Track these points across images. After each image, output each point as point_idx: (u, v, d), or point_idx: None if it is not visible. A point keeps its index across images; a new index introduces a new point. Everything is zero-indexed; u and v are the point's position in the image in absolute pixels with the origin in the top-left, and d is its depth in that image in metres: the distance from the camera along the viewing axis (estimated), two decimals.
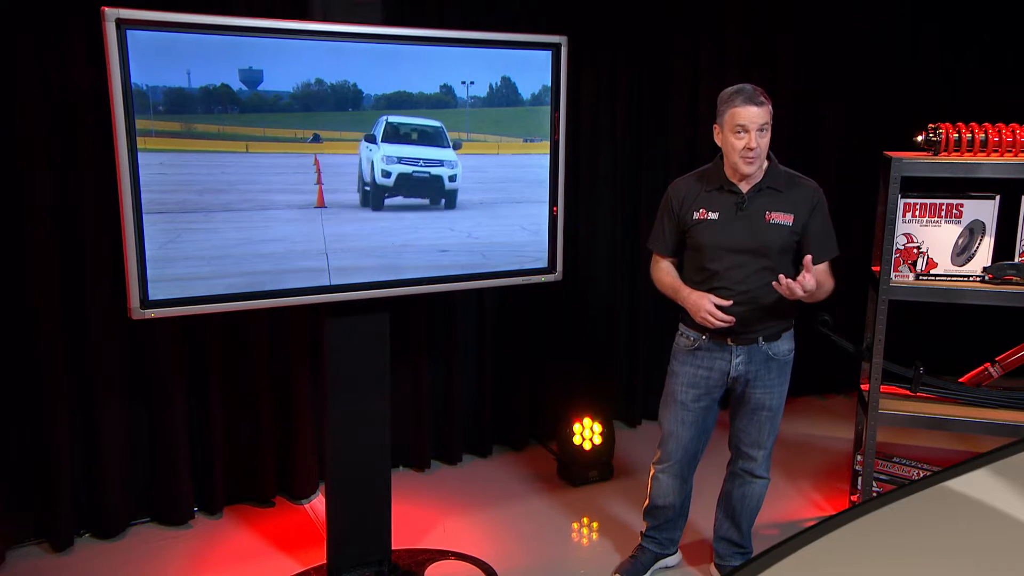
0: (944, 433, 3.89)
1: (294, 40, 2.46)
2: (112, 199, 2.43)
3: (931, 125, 3.02)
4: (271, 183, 2.51)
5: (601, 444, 3.76)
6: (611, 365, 4.34)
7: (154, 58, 2.26)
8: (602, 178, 4.16)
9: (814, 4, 4.45)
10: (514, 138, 2.87)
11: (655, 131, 4.24)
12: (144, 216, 2.32)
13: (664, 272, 2.81)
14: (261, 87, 2.43)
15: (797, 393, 4.84)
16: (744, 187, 2.64)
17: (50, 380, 3.03)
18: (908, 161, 3.01)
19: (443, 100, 2.71)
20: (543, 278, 3.00)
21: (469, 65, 2.73)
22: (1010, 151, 2.98)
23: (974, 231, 3.07)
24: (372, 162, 2.68)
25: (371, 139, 2.65)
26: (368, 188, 2.68)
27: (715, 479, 3.05)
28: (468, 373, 3.99)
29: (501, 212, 2.88)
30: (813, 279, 2.48)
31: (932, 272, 3.11)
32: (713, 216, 2.64)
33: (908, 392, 3.27)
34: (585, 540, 3.39)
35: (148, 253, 2.34)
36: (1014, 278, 3.01)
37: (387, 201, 2.73)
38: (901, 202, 3.07)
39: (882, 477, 3.39)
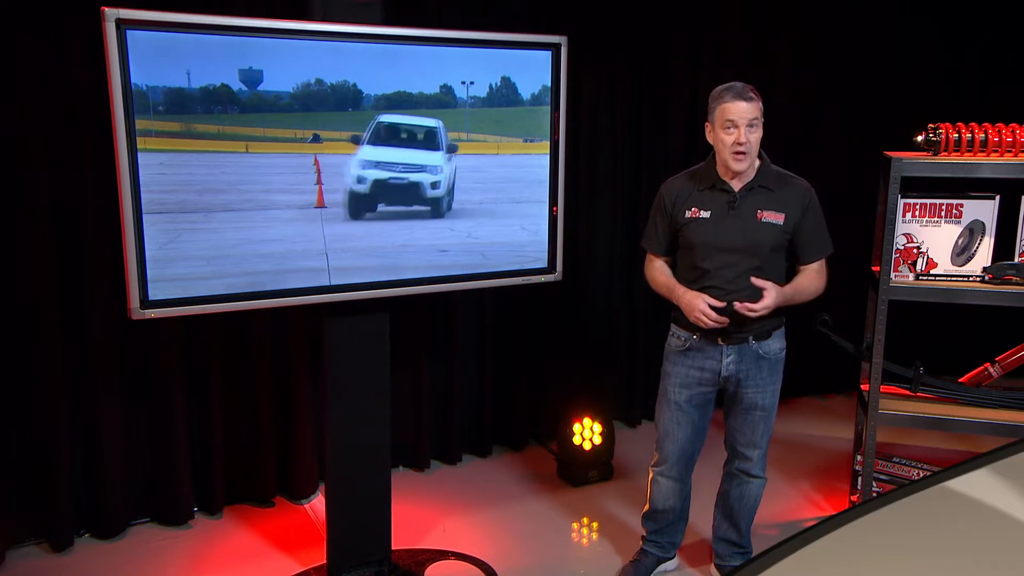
0: (944, 433, 3.89)
1: (294, 40, 2.45)
2: (112, 199, 2.43)
3: (931, 125, 3.02)
4: (271, 183, 2.51)
5: (601, 444, 3.76)
6: (611, 365, 4.34)
7: (154, 58, 2.26)
8: (602, 178, 4.16)
9: (814, 4, 4.45)
10: (514, 138, 2.87)
11: (655, 131, 4.24)
12: (144, 216, 2.32)
13: (658, 271, 2.82)
14: (261, 87, 2.43)
15: (797, 393, 4.87)
16: (736, 186, 2.65)
17: (50, 380, 3.03)
18: (908, 161, 3.01)
19: (443, 100, 2.71)
20: (543, 278, 3.00)
21: (469, 65, 2.72)
22: (1010, 151, 2.98)
23: (974, 231, 3.07)
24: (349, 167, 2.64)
25: (356, 141, 2.61)
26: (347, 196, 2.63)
27: (714, 479, 3.05)
28: (468, 373, 3.99)
29: (501, 212, 2.88)
30: (766, 304, 2.56)
31: (932, 272, 3.11)
32: (705, 215, 2.66)
33: (908, 392, 3.27)
34: (585, 540, 3.39)
35: (148, 253, 2.34)
36: (1014, 278, 3.01)
37: (369, 212, 2.63)
38: (901, 202, 3.07)
39: (882, 477, 3.39)
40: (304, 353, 3.50)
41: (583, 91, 4.01)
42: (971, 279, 3.08)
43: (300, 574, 3.02)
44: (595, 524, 3.47)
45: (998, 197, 3.05)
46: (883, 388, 3.19)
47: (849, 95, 4.60)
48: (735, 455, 2.88)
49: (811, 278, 2.71)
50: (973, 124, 3.01)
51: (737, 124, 2.53)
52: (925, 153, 3.05)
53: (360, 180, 2.63)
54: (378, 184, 2.67)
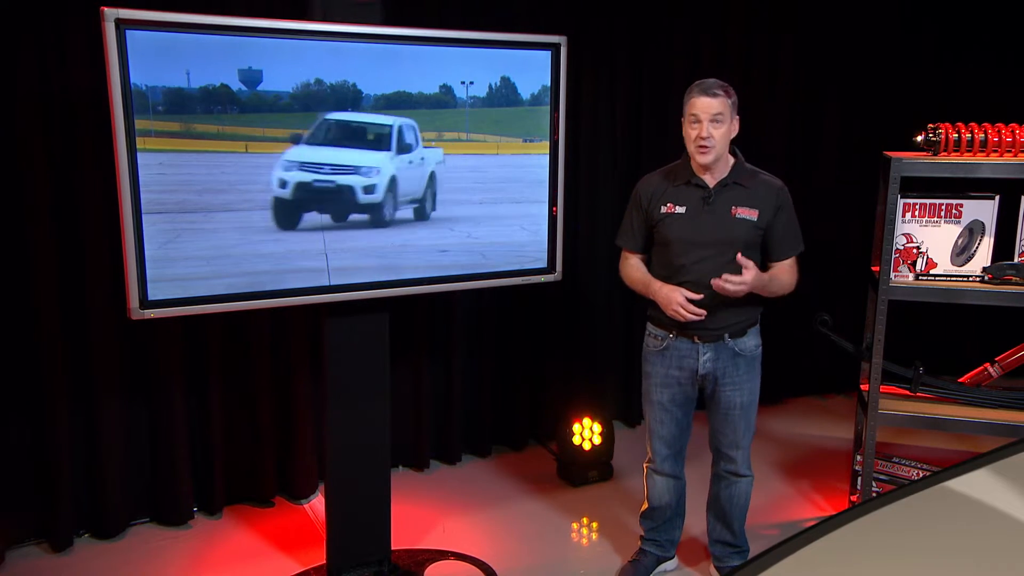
0: (944, 433, 3.89)
1: (294, 40, 2.45)
2: (112, 199, 2.42)
3: (931, 125, 3.02)
4: (271, 183, 2.51)
5: (601, 444, 3.76)
6: (611, 365, 4.34)
7: (154, 58, 2.26)
8: (602, 178, 4.15)
9: (814, 4, 4.45)
10: (514, 138, 2.87)
11: (655, 131, 4.24)
12: (144, 216, 2.32)
13: (633, 268, 2.84)
14: (261, 87, 2.43)
15: (797, 393, 4.88)
16: (710, 182, 2.68)
17: (50, 380, 3.03)
18: (908, 161, 3.01)
19: (443, 100, 2.71)
20: (543, 278, 3.00)
21: (469, 65, 2.72)
22: (1010, 151, 2.98)
23: (974, 231, 3.07)
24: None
25: (295, 140, 2.46)
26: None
27: (708, 482, 3.05)
28: (468, 373, 3.99)
29: (501, 212, 2.88)
30: (744, 280, 2.52)
31: (932, 272, 3.11)
32: (680, 210, 2.69)
33: (908, 392, 3.27)
34: (585, 540, 3.39)
35: (148, 253, 2.34)
36: (1014, 278, 3.01)
37: (298, 221, 2.42)
38: (901, 202, 3.07)
39: (882, 477, 3.39)
40: (304, 353, 3.50)
41: (583, 91, 4.00)
42: (971, 279, 3.07)
43: (300, 574, 3.01)
44: (595, 524, 3.47)
45: (998, 197, 3.05)
46: (883, 388, 3.19)
47: (849, 95, 4.60)
48: (720, 456, 2.90)
49: (785, 271, 2.72)
50: (973, 124, 3.01)
51: (700, 119, 2.58)
52: (925, 153, 3.05)
53: (283, 184, 2.42)
54: (302, 188, 2.47)
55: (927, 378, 3.25)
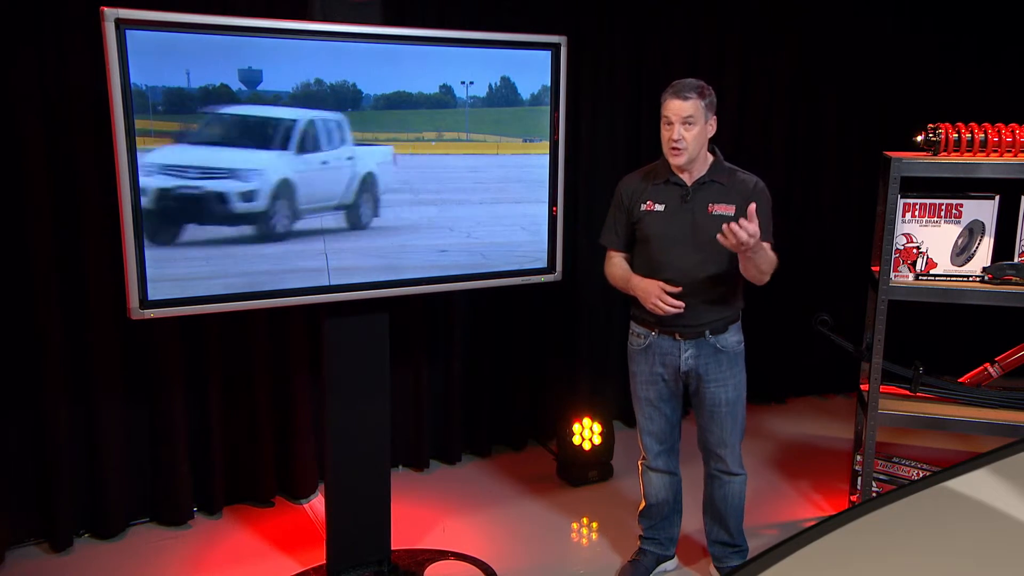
0: (944, 433, 3.89)
1: (294, 40, 2.45)
2: (112, 199, 2.42)
3: (931, 125, 3.02)
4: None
5: (601, 444, 3.76)
6: (611, 365, 4.34)
7: (153, 58, 2.26)
8: (602, 178, 4.15)
9: (814, 4, 4.45)
10: (514, 138, 2.87)
11: (654, 131, 4.20)
12: (144, 216, 2.32)
13: (616, 266, 2.87)
14: (260, 87, 2.43)
15: (797, 393, 4.88)
16: (688, 180, 2.71)
17: (50, 380, 3.03)
18: (908, 161, 3.00)
19: (443, 100, 2.71)
20: (543, 278, 3.01)
21: (469, 65, 2.72)
22: (1010, 151, 2.98)
23: (974, 231, 3.07)
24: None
25: (179, 137, 2.22)
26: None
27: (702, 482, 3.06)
28: (468, 373, 3.99)
29: (501, 212, 2.88)
30: (754, 231, 2.43)
31: (932, 272, 3.11)
32: (659, 208, 2.73)
33: (908, 392, 3.27)
34: (585, 540, 3.39)
35: (147, 253, 2.34)
36: (1014, 278, 3.01)
37: (172, 235, 2.13)
38: (901, 202, 3.07)
39: (882, 477, 3.39)
40: (304, 353, 3.50)
41: (583, 91, 4.00)
42: (971, 279, 3.07)
43: (300, 574, 3.01)
44: (595, 524, 3.47)
45: (998, 197, 3.05)
46: (883, 388, 3.19)
47: (849, 95, 4.60)
48: (710, 456, 2.90)
49: (768, 252, 2.63)
50: (973, 124, 3.01)
51: (672, 121, 2.62)
52: (925, 153, 3.04)
53: (143, 191, 2.14)
54: (164, 196, 2.18)
55: (927, 378, 3.25)
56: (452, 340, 3.89)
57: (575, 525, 3.46)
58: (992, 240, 3.05)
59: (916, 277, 3.12)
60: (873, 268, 3.24)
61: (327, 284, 2.62)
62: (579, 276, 4.14)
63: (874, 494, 3.24)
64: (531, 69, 2.83)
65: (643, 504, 3.04)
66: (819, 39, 4.50)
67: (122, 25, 2.19)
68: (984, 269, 3.05)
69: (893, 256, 3.07)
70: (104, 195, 2.95)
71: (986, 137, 2.98)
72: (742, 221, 2.46)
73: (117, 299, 2.88)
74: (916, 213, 3.10)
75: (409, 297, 3.04)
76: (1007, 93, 4.50)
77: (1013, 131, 2.97)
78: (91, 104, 2.94)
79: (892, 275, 3.08)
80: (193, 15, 2.31)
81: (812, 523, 1.31)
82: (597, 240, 2.90)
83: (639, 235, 2.78)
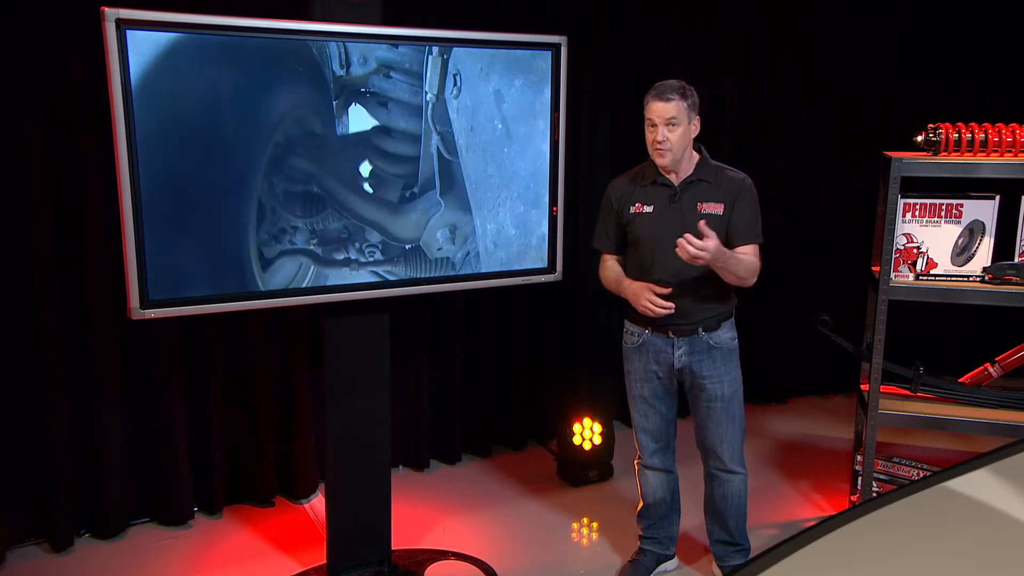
0: (944, 433, 3.89)
1: (294, 40, 2.45)
2: (112, 199, 2.42)
3: (931, 125, 3.02)
4: None
5: (601, 444, 3.76)
6: (611, 365, 4.33)
7: (154, 58, 2.26)
8: (602, 178, 4.15)
9: (814, 4, 4.45)
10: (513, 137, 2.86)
11: None
12: (144, 215, 2.32)
13: (608, 269, 2.88)
14: None
15: (797, 393, 4.88)
16: (675, 180, 2.73)
17: (50, 380, 3.03)
18: (908, 161, 3.01)
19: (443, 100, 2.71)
20: (543, 278, 3.01)
21: (469, 65, 2.72)
22: (1010, 151, 2.98)
23: (974, 231, 3.07)
24: None
25: None
26: None
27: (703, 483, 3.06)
28: (468, 373, 3.98)
29: (501, 212, 2.88)
30: (707, 247, 2.45)
31: (932, 272, 3.11)
32: (648, 209, 2.74)
33: (908, 392, 3.27)
34: (585, 540, 3.39)
35: (148, 253, 2.34)
36: (1014, 278, 3.01)
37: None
38: (901, 202, 3.07)
39: (882, 477, 3.39)
40: (304, 353, 3.50)
41: (583, 91, 4.00)
42: (971, 279, 3.07)
43: (300, 574, 3.01)
44: (595, 524, 3.47)
45: (998, 197, 3.05)
46: (883, 388, 3.19)
47: (849, 95, 4.60)
48: (708, 455, 2.90)
49: (748, 254, 2.68)
50: (973, 124, 3.01)
51: (655, 123, 2.65)
52: (925, 153, 3.04)
53: None
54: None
55: (927, 378, 3.25)
56: (452, 340, 3.89)
57: (575, 525, 3.46)
58: (992, 240, 3.05)
59: (916, 277, 3.12)
60: (873, 268, 3.24)
61: (327, 284, 2.62)
62: (579, 276, 4.14)
63: (874, 494, 3.24)
64: (531, 69, 2.83)
65: (641, 504, 3.04)
66: (819, 39, 4.50)
67: (123, 25, 2.19)
68: (984, 269, 3.05)
69: (893, 256, 3.07)
70: (104, 195, 2.95)
71: (986, 137, 2.98)
72: (688, 237, 2.46)
73: (117, 299, 2.88)
74: (916, 213, 3.10)
75: (409, 297, 3.04)
76: (1007, 93, 4.50)
77: (1013, 131, 2.97)
78: (91, 104, 2.94)
79: (892, 275, 3.09)
80: (193, 15, 2.31)
81: (812, 523, 1.31)
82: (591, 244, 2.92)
83: (630, 237, 2.79)
